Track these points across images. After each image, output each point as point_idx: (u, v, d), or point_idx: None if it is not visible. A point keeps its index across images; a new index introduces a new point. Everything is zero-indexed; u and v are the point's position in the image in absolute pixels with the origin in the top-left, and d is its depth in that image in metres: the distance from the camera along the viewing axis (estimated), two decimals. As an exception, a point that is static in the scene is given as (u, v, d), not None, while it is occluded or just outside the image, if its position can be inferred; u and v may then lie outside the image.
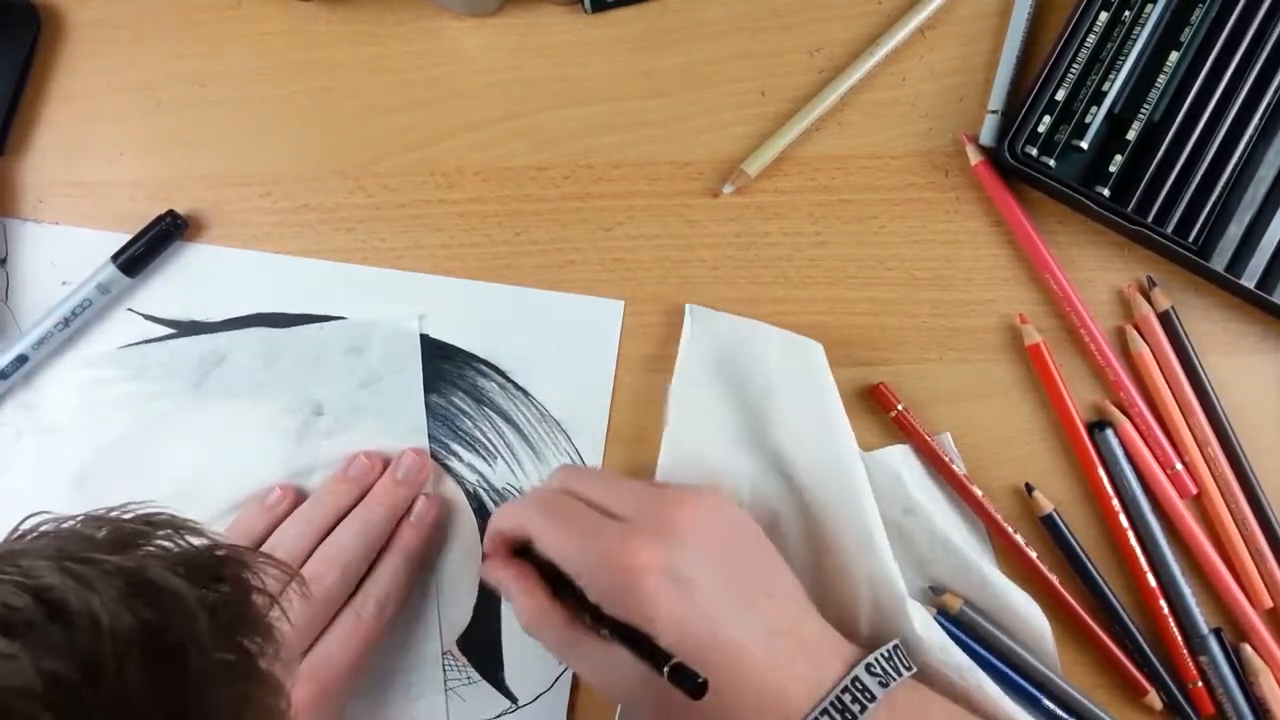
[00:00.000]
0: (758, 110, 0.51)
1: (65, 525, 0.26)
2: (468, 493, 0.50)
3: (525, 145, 0.51)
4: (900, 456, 0.49)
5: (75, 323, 0.49)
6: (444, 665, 0.49)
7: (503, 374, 0.50)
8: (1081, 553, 0.49)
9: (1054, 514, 0.49)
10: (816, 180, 0.51)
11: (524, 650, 0.49)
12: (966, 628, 0.48)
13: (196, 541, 0.27)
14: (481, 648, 0.49)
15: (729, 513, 0.43)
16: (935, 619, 0.47)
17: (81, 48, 0.51)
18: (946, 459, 0.48)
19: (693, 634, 0.38)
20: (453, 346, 0.50)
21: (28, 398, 0.50)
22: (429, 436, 0.50)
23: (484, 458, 0.50)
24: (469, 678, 0.49)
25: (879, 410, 0.50)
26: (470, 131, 0.51)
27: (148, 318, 0.50)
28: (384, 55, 0.51)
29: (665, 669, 0.36)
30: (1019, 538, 0.48)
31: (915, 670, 0.42)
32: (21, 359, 0.49)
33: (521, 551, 0.44)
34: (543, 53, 0.51)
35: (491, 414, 0.49)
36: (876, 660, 0.41)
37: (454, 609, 0.49)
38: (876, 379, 0.50)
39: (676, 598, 0.39)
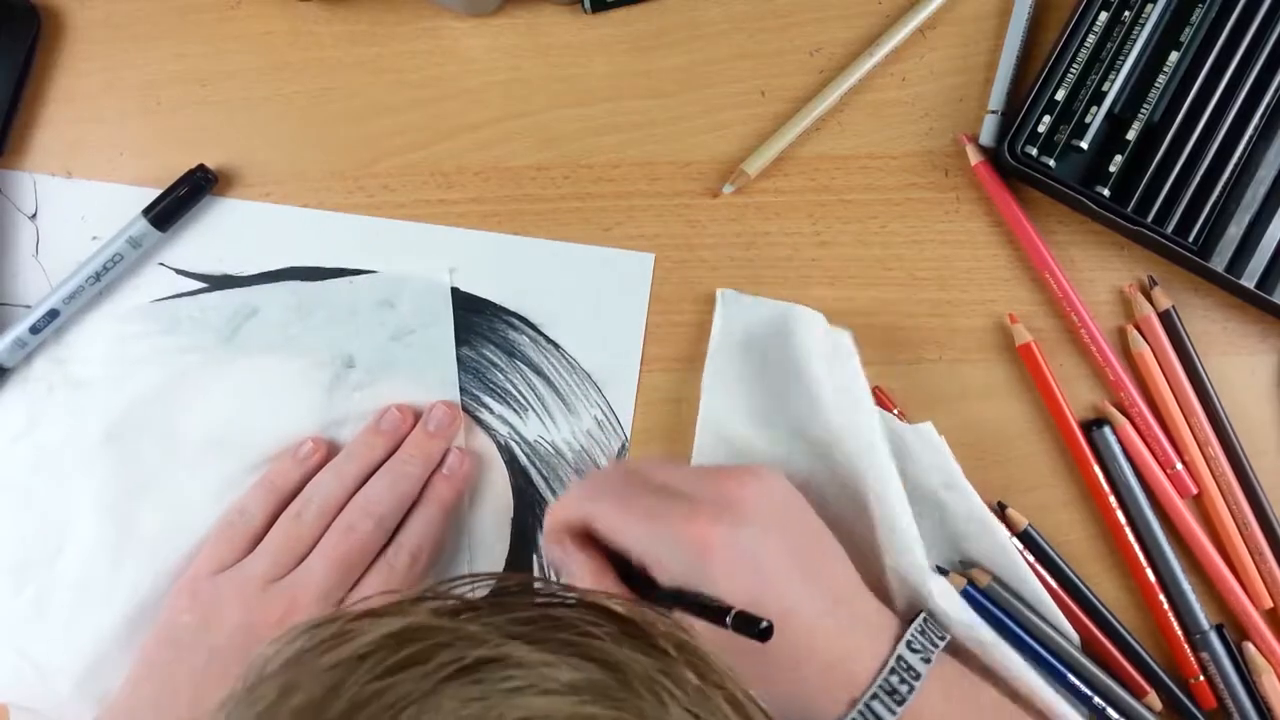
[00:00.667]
0: (758, 110, 0.51)
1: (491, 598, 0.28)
2: (499, 445, 0.50)
3: (525, 145, 0.51)
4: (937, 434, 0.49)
5: (106, 277, 0.49)
6: None
7: (534, 327, 0.50)
8: (1063, 564, 0.49)
9: (1030, 529, 0.49)
10: (816, 180, 0.51)
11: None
12: (995, 602, 0.48)
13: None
14: None
15: (784, 489, 0.43)
16: (967, 589, 0.47)
17: (81, 48, 0.51)
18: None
19: (765, 607, 0.38)
20: (483, 299, 0.50)
21: (59, 353, 0.49)
22: (460, 389, 0.50)
23: (515, 410, 0.50)
24: None
25: None
26: (470, 131, 0.51)
27: (179, 272, 0.50)
28: (384, 55, 0.51)
29: (728, 619, 0.36)
30: (1017, 542, 0.48)
31: (949, 639, 0.43)
32: (52, 314, 0.48)
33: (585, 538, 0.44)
34: (543, 53, 0.51)
35: (522, 366, 0.50)
36: (914, 636, 0.41)
37: (486, 560, 0.50)
38: (877, 379, 0.50)
39: (747, 573, 0.39)
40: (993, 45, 0.51)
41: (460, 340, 0.50)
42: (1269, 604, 0.49)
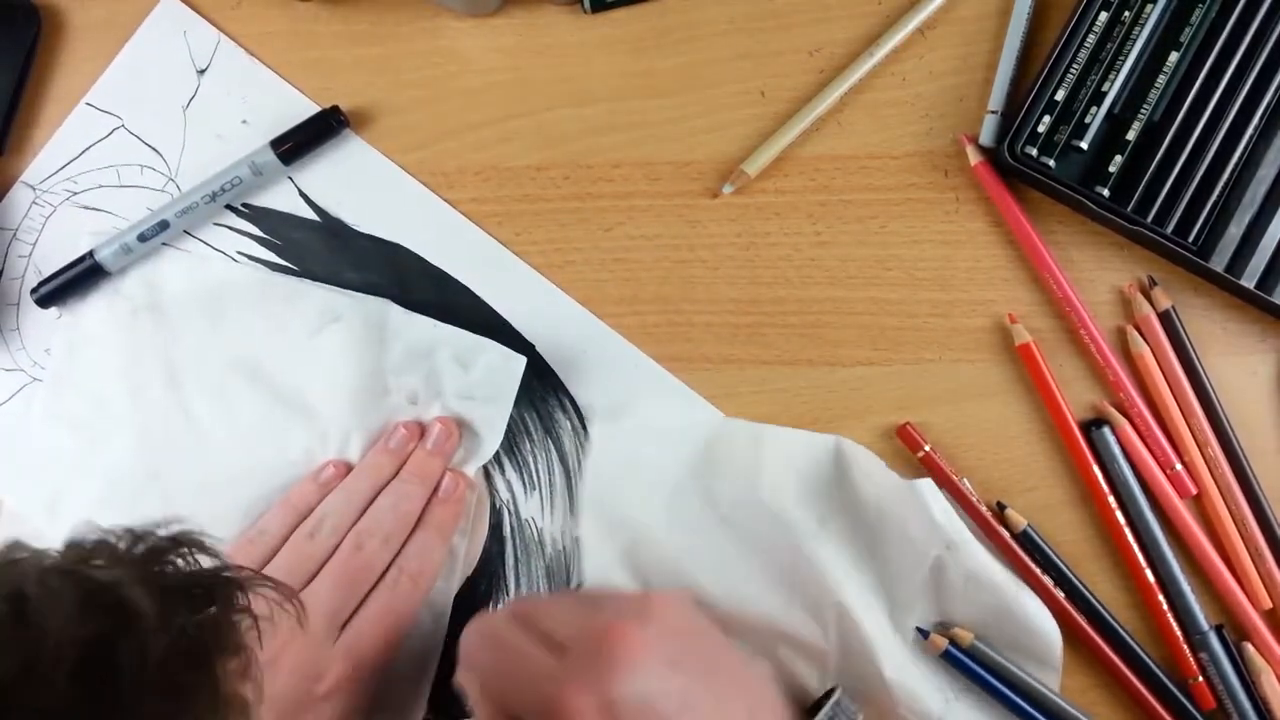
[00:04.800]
0: (758, 110, 0.51)
1: (99, 539, 0.28)
2: (493, 507, 0.50)
3: (525, 145, 0.51)
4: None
5: (222, 197, 0.49)
6: None
7: (581, 420, 0.50)
8: (1063, 564, 0.49)
9: (1029, 529, 0.49)
10: (816, 180, 0.51)
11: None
12: (981, 662, 0.48)
13: (207, 563, 0.29)
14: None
15: (670, 621, 0.39)
16: (949, 650, 0.47)
17: (81, 48, 0.51)
18: (973, 498, 0.48)
19: None
20: (552, 370, 0.50)
21: (155, 277, 0.50)
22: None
23: (524, 484, 0.50)
24: None
25: (906, 450, 0.49)
26: (470, 131, 0.51)
27: (302, 194, 0.50)
28: (384, 55, 0.51)
29: None
30: (1035, 567, 0.48)
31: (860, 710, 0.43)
32: (163, 224, 0.49)
33: None
34: (543, 53, 0.51)
35: (552, 448, 0.50)
36: None
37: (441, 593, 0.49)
38: (876, 379, 0.50)
39: None
40: (993, 45, 0.51)
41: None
42: (1268, 604, 0.49)
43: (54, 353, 0.50)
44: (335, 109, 0.50)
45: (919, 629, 0.48)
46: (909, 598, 0.48)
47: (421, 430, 0.49)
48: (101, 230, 0.50)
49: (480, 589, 0.49)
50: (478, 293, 0.50)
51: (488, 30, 0.51)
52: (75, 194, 0.50)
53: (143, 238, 0.49)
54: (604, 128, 0.51)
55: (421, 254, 0.50)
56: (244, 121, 0.50)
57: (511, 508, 0.50)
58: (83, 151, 0.50)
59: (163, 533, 0.29)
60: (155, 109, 0.50)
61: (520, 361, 0.49)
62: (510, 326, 0.50)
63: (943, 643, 0.47)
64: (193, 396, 0.49)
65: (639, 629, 0.37)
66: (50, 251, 0.50)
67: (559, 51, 0.51)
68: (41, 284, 0.49)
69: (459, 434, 0.49)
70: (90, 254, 0.49)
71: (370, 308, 0.50)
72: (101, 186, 0.50)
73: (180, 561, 0.29)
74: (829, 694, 0.45)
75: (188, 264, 0.50)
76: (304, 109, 0.50)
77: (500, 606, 0.49)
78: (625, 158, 0.51)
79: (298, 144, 0.49)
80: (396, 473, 0.48)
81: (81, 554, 0.28)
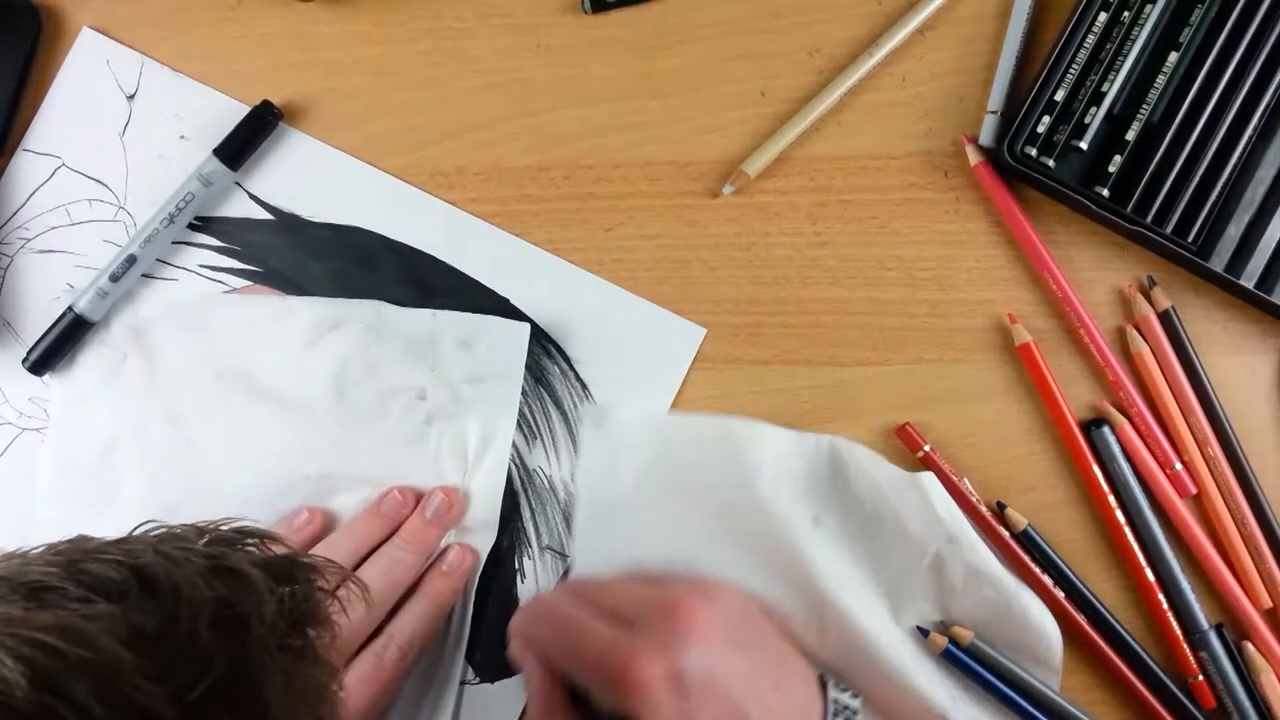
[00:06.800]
0: (758, 110, 0.51)
1: (172, 529, 0.31)
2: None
3: (525, 145, 0.51)
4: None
5: (180, 218, 0.49)
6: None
7: (568, 361, 0.50)
8: (1063, 564, 0.49)
9: (1030, 529, 0.49)
10: (816, 180, 0.51)
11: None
12: (980, 660, 0.48)
13: (278, 549, 0.31)
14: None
15: (733, 605, 0.41)
16: (949, 648, 0.47)
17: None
18: (973, 498, 0.49)
19: None
20: (529, 319, 0.50)
21: (137, 322, 0.50)
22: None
23: (525, 436, 0.50)
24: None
25: (906, 450, 0.49)
26: (470, 131, 0.51)
27: (251, 196, 0.50)
28: (384, 56, 0.51)
29: None
30: (1035, 567, 0.48)
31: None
32: (131, 259, 0.49)
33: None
34: (543, 53, 0.51)
35: (545, 395, 0.50)
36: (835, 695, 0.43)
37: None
38: (876, 379, 0.50)
39: (684, 709, 0.37)
40: (992, 46, 0.51)
41: None
42: (1268, 604, 0.49)
43: (52, 409, 0.50)
44: (267, 104, 0.50)
45: (919, 628, 0.48)
46: (909, 595, 0.48)
47: (417, 498, 0.48)
48: (63, 269, 0.50)
49: (504, 545, 0.50)
50: (442, 259, 0.50)
51: (488, 31, 0.51)
52: (29, 240, 0.50)
53: (114, 277, 0.49)
54: (604, 128, 0.51)
55: (381, 232, 0.50)
56: (182, 137, 0.50)
57: (517, 460, 0.50)
58: (28, 198, 0.50)
59: (226, 527, 0.31)
60: (92, 142, 0.50)
61: (524, 330, 0.49)
62: (481, 285, 0.50)
63: (943, 641, 0.47)
64: (196, 429, 0.49)
65: (706, 606, 0.39)
66: (17, 303, 0.50)
67: (559, 52, 0.51)
68: (31, 351, 0.49)
69: (460, 507, 0.49)
70: (70, 308, 0.49)
71: (366, 310, 0.50)
72: (54, 228, 0.50)
73: (254, 549, 0.31)
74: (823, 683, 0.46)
75: (167, 297, 0.50)
76: (238, 112, 0.50)
77: (556, 587, 0.48)
78: (625, 158, 0.51)
79: (240, 146, 0.49)
80: (387, 537, 0.47)
81: (173, 537, 0.30)
